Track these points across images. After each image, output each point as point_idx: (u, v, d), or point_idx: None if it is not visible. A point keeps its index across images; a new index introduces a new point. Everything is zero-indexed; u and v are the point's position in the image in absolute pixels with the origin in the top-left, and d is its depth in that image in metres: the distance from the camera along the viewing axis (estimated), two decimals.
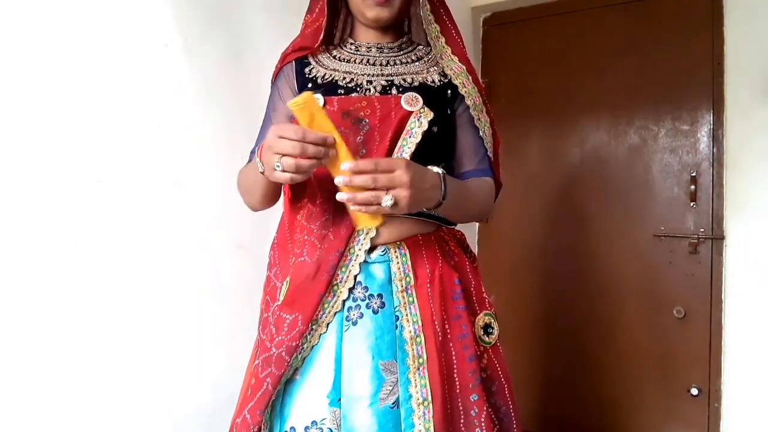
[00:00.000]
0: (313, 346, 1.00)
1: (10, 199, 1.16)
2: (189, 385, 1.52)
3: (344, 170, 0.84)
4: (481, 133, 1.11)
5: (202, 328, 1.56)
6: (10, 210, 1.16)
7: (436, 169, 0.94)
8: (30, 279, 1.20)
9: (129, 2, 1.38)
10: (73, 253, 1.27)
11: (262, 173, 0.92)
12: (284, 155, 0.83)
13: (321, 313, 0.99)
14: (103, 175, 1.33)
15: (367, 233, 1.00)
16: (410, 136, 1.00)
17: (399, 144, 1.00)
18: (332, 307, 1.00)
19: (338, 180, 0.85)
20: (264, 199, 1.09)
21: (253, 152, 1.18)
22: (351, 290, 1.01)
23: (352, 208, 0.87)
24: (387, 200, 0.84)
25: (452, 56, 1.11)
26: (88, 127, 1.30)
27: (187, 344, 1.53)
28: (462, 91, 1.08)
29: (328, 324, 1.00)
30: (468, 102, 1.08)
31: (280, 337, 1.00)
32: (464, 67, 1.10)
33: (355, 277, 1.00)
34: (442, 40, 1.12)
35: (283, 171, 0.84)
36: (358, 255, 1.00)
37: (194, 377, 1.54)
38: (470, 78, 1.10)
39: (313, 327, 0.99)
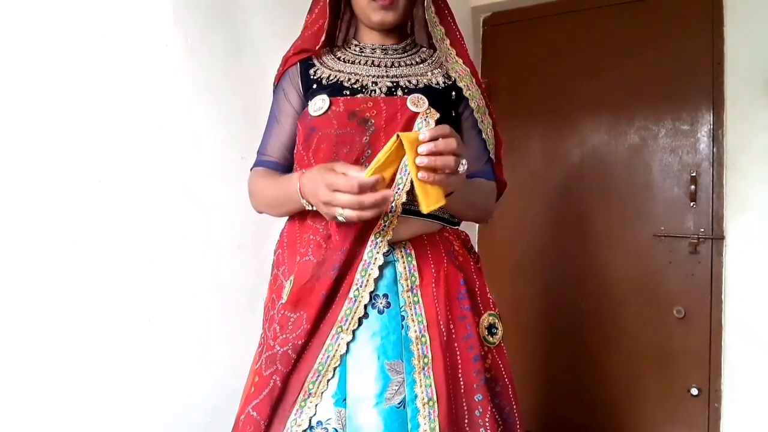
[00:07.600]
0: (342, 356, 0.97)
1: (10, 199, 1.16)
2: (190, 384, 1.52)
3: (422, 139, 0.82)
4: (483, 136, 1.12)
5: (202, 328, 1.56)
6: (10, 210, 1.16)
7: None
8: (30, 279, 1.19)
9: (129, 2, 1.38)
10: (73, 253, 1.27)
11: (309, 208, 0.96)
12: (344, 208, 0.85)
13: (344, 320, 0.97)
14: (103, 175, 1.33)
15: (383, 235, 0.98)
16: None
17: None
18: (354, 312, 0.97)
19: (419, 160, 0.82)
20: (288, 214, 1.10)
21: (259, 153, 1.17)
22: (372, 293, 0.98)
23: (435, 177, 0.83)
24: (462, 164, 0.86)
25: (456, 58, 1.11)
26: (88, 127, 1.30)
27: (187, 344, 1.52)
28: (467, 93, 1.08)
29: (354, 331, 0.97)
30: (472, 105, 1.09)
31: (284, 336, 0.99)
32: (468, 69, 1.11)
33: (375, 280, 0.98)
34: (447, 41, 1.12)
35: (347, 218, 0.86)
36: (376, 258, 0.98)
37: (195, 376, 1.54)
38: (474, 80, 1.11)
39: (339, 335, 0.97)
